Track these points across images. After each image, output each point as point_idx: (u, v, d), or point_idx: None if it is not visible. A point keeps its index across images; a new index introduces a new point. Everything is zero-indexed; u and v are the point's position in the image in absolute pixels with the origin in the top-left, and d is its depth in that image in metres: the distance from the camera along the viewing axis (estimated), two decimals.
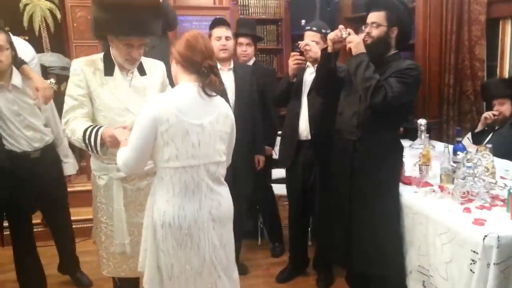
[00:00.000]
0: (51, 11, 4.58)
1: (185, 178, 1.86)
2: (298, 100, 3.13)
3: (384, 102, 2.31)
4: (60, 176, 3.06)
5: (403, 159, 2.70)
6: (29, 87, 2.74)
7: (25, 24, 4.54)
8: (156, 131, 1.80)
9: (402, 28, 2.50)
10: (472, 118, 4.06)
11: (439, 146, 3.45)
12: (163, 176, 1.87)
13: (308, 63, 3.13)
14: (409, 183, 2.70)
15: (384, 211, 2.49)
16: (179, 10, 4.44)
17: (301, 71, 3.15)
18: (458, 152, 2.51)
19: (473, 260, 1.96)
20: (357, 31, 2.54)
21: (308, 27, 3.11)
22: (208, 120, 1.88)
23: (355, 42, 2.42)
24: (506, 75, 3.90)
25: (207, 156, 1.89)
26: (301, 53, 3.00)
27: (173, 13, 3.58)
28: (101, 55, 2.29)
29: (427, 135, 3.42)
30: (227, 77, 3.21)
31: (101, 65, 2.25)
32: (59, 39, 4.44)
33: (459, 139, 2.80)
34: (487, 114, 3.42)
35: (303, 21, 3.31)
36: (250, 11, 5.28)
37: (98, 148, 2.13)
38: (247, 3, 5.25)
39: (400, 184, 2.63)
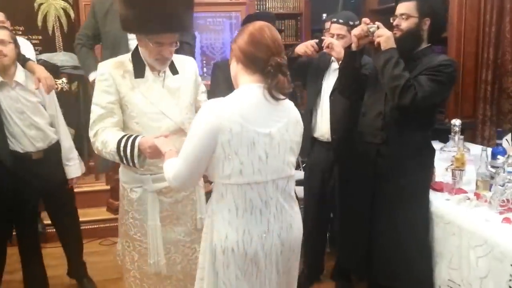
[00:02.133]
0: (65, 10, 4.78)
1: (250, 196, 1.68)
2: (315, 97, 3.05)
3: (413, 103, 2.23)
4: (65, 178, 3.07)
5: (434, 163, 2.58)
6: (32, 83, 2.79)
7: (39, 23, 4.68)
8: (215, 142, 1.61)
9: (435, 19, 2.39)
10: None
11: (474, 149, 3.32)
12: (224, 194, 1.68)
13: (333, 58, 3.05)
14: (441, 190, 2.59)
15: (411, 220, 2.40)
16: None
17: (322, 60, 3.07)
18: (498, 156, 2.38)
19: None
20: (385, 25, 2.43)
21: (334, 19, 3.03)
22: (276, 128, 1.69)
23: (385, 36, 2.32)
24: None
25: (275, 170, 1.70)
26: (319, 47, 2.93)
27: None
28: (128, 55, 2.17)
29: (461, 136, 3.27)
30: None
31: (130, 67, 2.12)
32: (72, 39, 4.59)
33: (499, 141, 2.66)
34: None
35: (324, 15, 3.22)
36: (267, 5, 5.27)
37: (136, 160, 1.97)
38: None
39: (430, 190, 2.53)
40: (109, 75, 2.07)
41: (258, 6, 5.18)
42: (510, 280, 1.87)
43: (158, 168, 2.08)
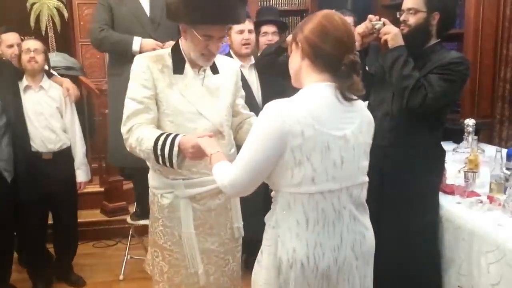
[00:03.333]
0: (58, 10, 4.80)
1: (323, 206, 1.54)
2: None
3: (423, 105, 2.19)
4: (72, 181, 3.34)
5: (445, 165, 2.52)
6: (56, 90, 3.25)
7: (32, 24, 4.74)
8: (284, 146, 1.48)
9: (445, 13, 2.33)
10: None
11: (489, 150, 3.25)
12: (291, 203, 1.55)
13: None
14: (452, 193, 2.54)
15: (419, 225, 2.35)
16: None
17: None
18: None
19: None
20: (393, 22, 2.38)
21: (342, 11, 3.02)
22: (350, 130, 1.56)
23: (393, 33, 2.27)
24: None
25: (350, 177, 1.58)
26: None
27: None
28: (168, 50, 2.08)
29: (476, 137, 3.21)
30: (250, 75, 3.22)
31: (169, 62, 2.03)
32: (65, 38, 4.67)
33: None
34: None
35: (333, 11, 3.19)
36: (271, 2, 5.16)
37: (174, 160, 1.87)
38: None
39: (441, 193, 2.48)
40: (147, 68, 1.99)
41: (262, 2, 5.11)
42: None
43: (191, 172, 2.03)
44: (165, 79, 2.00)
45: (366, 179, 1.66)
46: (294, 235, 1.54)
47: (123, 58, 3.09)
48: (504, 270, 1.95)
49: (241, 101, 2.26)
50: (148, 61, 1.99)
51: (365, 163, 1.64)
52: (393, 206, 2.37)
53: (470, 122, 3.24)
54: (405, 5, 2.37)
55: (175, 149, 1.86)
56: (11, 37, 3.58)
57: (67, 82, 3.32)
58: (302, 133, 1.47)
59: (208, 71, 2.08)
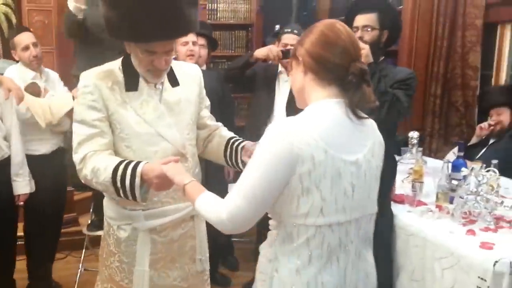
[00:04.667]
0: (6, 15, 4.51)
1: (329, 240, 1.37)
2: (268, 108, 3.08)
3: (398, 118, 2.34)
4: (12, 197, 2.97)
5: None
6: None
7: None
8: (292, 172, 1.31)
9: (392, 32, 2.51)
10: (461, 132, 4.10)
11: (430, 161, 3.44)
12: (294, 236, 1.38)
13: (280, 69, 3.12)
14: (402, 202, 2.66)
15: (376, 231, 2.40)
16: None
17: (269, 72, 3.13)
18: (463, 169, 2.48)
19: None
20: None
21: (288, 29, 3.11)
22: (363, 153, 1.40)
23: (366, 50, 2.34)
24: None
25: (361, 207, 1.42)
26: (284, 56, 2.97)
27: None
28: (118, 63, 1.83)
29: (420, 149, 3.40)
30: None
31: (120, 77, 1.79)
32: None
33: (461, 153, 2.78)
34: (483, 124, 3.43)
35: (277, 26, 3.29)
36: (218, 15, 5.23)
37: (137, 193, 1.65)
38: (215, 7, 5.20)
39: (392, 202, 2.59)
40: (95, 87, 1.75)
41: (209, 16, 5.17)
42: None
43: (151, 202, 1.81)
44: (117, 97, 1.77)
45: (376, 209, 1.51)
46: (294, 271, 1.39)
47: (89, 55, 2.97)
48: (458, 275, 2.05)
49: (206, 112, 2.06)
50: (94, 79, 1.76)
51: (376, 191, 1.49)
52: None
53: (414, 134, 3.43)
54: (359, 23, 2.49)
55: (137, 180, 1.64)
56: (25, 37, 3.19)
57: (8, 82, 2.87)
58: (312, 157, 1.30)
59: (167, 84, 1.86)
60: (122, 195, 1.68)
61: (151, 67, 1.75)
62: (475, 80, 3.97)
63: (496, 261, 1.88)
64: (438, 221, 2.38)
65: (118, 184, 1.66)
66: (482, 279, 1.91)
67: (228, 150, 1.97)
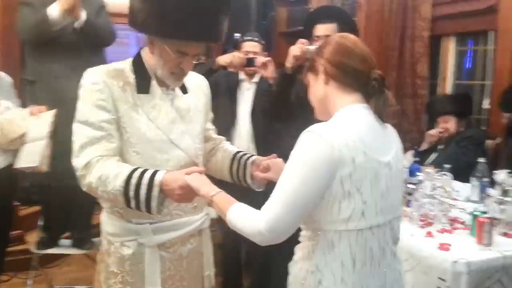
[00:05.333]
0: None
1: (371, 244, 1.33)
2: (232, 117, 3.03)
3: None
4: None
5: None
6: None
7: None
8: (333, 176, 1.25)
9: None
10: (413, 138, 4.16)
11: None
12: (336, 243, 1.31)
13: (242, 77, 3.07)
14: None
15: None
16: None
17: (231, 80, 3.08)
18: (418, 173, 2.50)
19: None
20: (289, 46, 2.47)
21: (249, 38, 3.08)
22: (391, 155, 1.38)
23: None
24: (448, 93, 4.05)
25: (393, 208, 1.39)
26: (248, 65, 2.94)
27: (111, 24, 3.30)
28: (127, 63, 1.65)
29: None
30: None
31: (131, 78, 1.61)
32: None
33: (417, 159, 2.81)
34: (432, 131, 3.49)
35: (237, 35, 3.27)
36: None
37: (153, 204, 1.47)
38: None
39: None
40: (105, 86, 1.56)
41: None
42: None
43: (160, 214, 1.58)
44: (128, 99, 1.58)
45: (402, 210, 1.51)
46: (339, 280, 1.32)
47: (40, 59, 2.83)
48: (419, 276, 2.05)
49: (211, 125, 1.93)
50: (105, 76, 1.57)
51: (402, 193, 1.50)
52: None
53: None
54: (319, 32, 2.48)
55: (155, 190, 1.46)
56: None
57: None
58: (352, 160, 1.25)
59: (177, 90, 1.71)
60: (133, 206, 1.49)
61: (177, 69, 1.60)
62: (424, 89, 4.05)
63: (455, 261, 1.89)
64: None
65: (131, 194, 1.47)
66: (441, 279, 1.92)
67: (235, 164, 1.82)
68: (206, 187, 1.44)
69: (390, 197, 1.35)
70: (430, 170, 2.52)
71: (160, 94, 1.65)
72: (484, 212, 2.10)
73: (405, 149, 3.82)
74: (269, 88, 2.66)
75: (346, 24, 2.51)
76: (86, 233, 3.26)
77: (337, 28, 2.45)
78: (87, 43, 3.04)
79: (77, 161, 1.54)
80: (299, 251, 1.42)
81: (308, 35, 2.53)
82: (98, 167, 1.51)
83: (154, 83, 1.64)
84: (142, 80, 1.62)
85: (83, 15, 2.99)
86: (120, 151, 1.58)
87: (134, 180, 1.47)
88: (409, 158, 3.62)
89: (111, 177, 1.48)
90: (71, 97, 1.71)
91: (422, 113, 4.08)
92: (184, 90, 1.73)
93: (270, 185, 1.50)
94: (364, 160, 1.27)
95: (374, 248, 1.34)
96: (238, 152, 1.86)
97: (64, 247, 3.29)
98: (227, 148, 1.91)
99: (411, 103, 4.19)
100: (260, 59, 2.88)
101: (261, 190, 1.78)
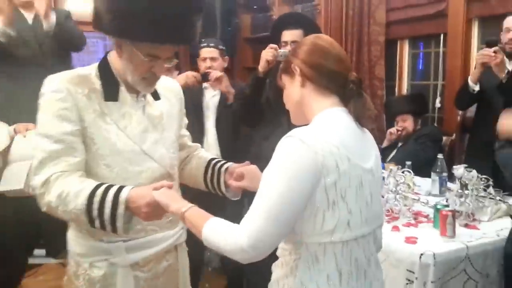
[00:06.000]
0: None
1: (356, 255, 1.21)
2: (199, 125, 2.95)
3: None
4: None
5: None
6: None
7: None
8: (316, 185, 1.13)
9: None
10: (374, 136, 4.17)
11: None
12: (320, 256, 1.18)
13: (205, 85, 3.01)
14: None
15: None
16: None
17: (197, 92, 2.99)
18: (382, 170, 2.51)
19: (409, 280, 1.92)
20: (258, 52, 2.46)
21: (205, 44, 3.01)
22: (372, 161, 1.26)
23: None
24: (404, 93, 4.12)
25: (377, 216, 1.28)
26: (203, 80, 2.87)
27: (80, 30, 3.18)
28: (92, 69, 1.47)
29: None
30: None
31: (97, 84, 1.43)
32: None
33: (380, 156, 2.81)
34: (391, 129, 3.54)
35: (203, 40, 3.22)
36: None
37: (119, 224, 1.30)
38: None
39: None
40: (68, 94, 1.36)
41: None
42: (407, 283, 1.93)
43: (134, 231, 1.42)
44: (95, 107, 1.40)
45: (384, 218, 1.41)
46: None
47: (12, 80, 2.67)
48: (388, 270, 2.04)
49: (186, 131, 1.75)
50: (68, 83, 1.37)
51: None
52: None
53: None
54: (287, 38, 2.48)
55: (121, 208, 1.29)
56: None
57: None
58: (337, 166, 1.13)
59: (149, 97, 1.53)
60: (98, 225, 1.32)
61: (149, 74, 1.42)
62: (382, 90, 4.10)
63: (422, 254, 1.89)
64: None
65: (94, 213, 1.30)
66: (410, 271, 1.92)
67: (209, 172, 1.67)
68: (176, 203, 1.28)
69: (373, 205, 1.24)
70: (392, 167, 2.54)
71: (130, 101, 1.46)
72: (446, 205, 2.12)
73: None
74: (241, 92, 2.63)
75: (311, 30, 2.51)
76: (60, 242, 3.12)
77: (303, 34, 2.44)
78: (60, 47, 2.89)
79: (36, 179, 1.35)
80: (279, 268, 1.29)
81: (275, 40, 2.51)
82: (58, 184, 1.32)
83: (123, 89, 1.46)
84: (110, 87, 1.44)
85: (53, 18, 2.86)
86: (84, 166, 1.40)
87: (97, 198, 1.30)
88: None
89: (71, 195, 1.30)
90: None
91: (381, 112, 4.13)
92: (155, 96, 1.55)
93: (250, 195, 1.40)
94: (349, 167, 1.15)
95: (360, 259, 1.22)
96: (212, 159, 1.72)
97: (39, 257, 3.15)
98: (202, 155, 1.76)
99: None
100: (214, 73, 2.82)
101: (236, 199, 1.64)
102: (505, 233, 2.03)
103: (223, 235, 1.16)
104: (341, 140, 1.17)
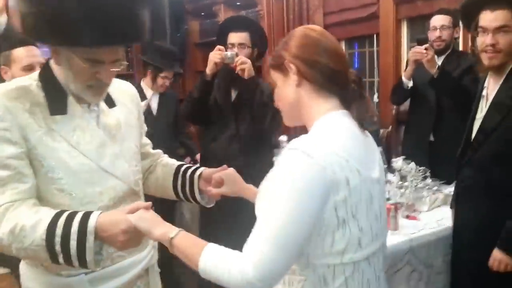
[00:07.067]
0: None
1: (368, 275, 1.02)
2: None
3: (279, 127, 2.33)
4: None
5: None
6: None
7: None
8: (325, 203, 0.94)
9: (261, 49, 2.48)
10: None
11: None
12: (329, 279, 0.99)
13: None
14: None
15: None
16: None
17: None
18: None
19: None
20: (204, 57, 2.43)
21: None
22: (377, 169, 1.07)
23: (249, 64, 2.24)
24: None
25: (384, 229, 1.10)
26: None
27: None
28: (33, 78, 1.19)
29: None
30: None
31: (40, 96, 1.16)
32: None
33: None
34: None
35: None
36: None
37: (89, 257, 1.05)
38: None
39: None
40: (6, 111, 1.11)
41: None
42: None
43: (100, 267, 1.17)
44: (40, 124, 1.14)
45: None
46: None
47: None
48: None
49: (146, 139, 1.50)
50: (5, 99, 1.11)
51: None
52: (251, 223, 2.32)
53: (284, 138, 3.38)
54: (234, 40, 2.40)
55: (90, 239, 1.04)
56: (28, 53, 1.93)
57: None
58: (347, 181, 0.95)
59: (102, 105, 1.26)
60: (61, 261, 1.06)
61: (94, 81, 1.15)
62: None
63: None
64: None
65: (57, 247, 1.04)
66: None
67: (179, 179, 1.43)
68: (159, 228, 1.05)
69: (382, 218, 1.06)
70: None
71: (81, 113, 1.20)
72: (388, 199, 2.08)
73: None
74: (190, 94, 2.52)
75: (257, 32, 2.45)
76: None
77: (249, 36, 2.38)
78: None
79: None
80: (281, 286, 1.17)
81: (221, 43, 2.42)
82: (9, 218, 1.07)
83: (71, 100, 1.19)
84: (55, 98, 1.16)
85: (2, 20, 2.59)
86: (36, 192, 1.14)
87: (59, 230, 1.05)
88: None
89: (27, 228, 1.05)
90: None
91: None
92: (110, 102, 1.28)
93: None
94: (359, 181, 0.97)
95: (371, 280, 1.03)
96: (180, 165, 1.48)
97: None
98: (167, 162, 1.51)
99: None
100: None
101: (211, 206, 1.47)
102: (445, 223, 2.03)
103: (225, 267, 0.94)
104: (349, 151, 0.98)
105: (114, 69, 1.16)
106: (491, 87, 1.80)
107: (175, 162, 1.51)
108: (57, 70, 1.19)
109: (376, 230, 1.03)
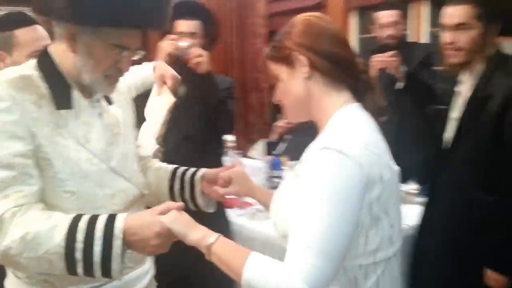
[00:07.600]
0: None
1: (396, 272, 0.97)
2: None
3: (232, 125, 2.12)
4: None
5: None
6: None
7: None
8: (361, 202, 0.87)
9: (214, 39, 2.11)
10: (260, 130, 3.89)
11: (245, 161, 3.09)
12: (361, 280, 0.91)
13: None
14: (230, 206, 2.21)
15: None
16: None
17: None
18: (282, 167, 2.26)
19: None
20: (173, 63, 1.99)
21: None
22: (392, 160, 1.01)
23: (206, 57, 1.82)
24: None
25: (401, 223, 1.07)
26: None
27: None
28: (32, 67, 1.03)
29: (240, 151, 3.02)
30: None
31: (43, 88, 1.00)
32: None
33: (277, 152, 2.50)
34: (279, 123, 3.20)
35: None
36: None
37: (115, 265, 0.90)
38: None
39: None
40: (14, 102, 0.95)
41: None
42: None
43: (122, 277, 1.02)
44: (47, 118, 0.98)
45: None
46: None
47: None
48: None
49: (137, 142, 1.40)
50: (12, 89, 0.96)
51: None
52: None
53: (229, 138, 3.02)
54: (183, 29, 2.03)
55: (116, 244, 0.90)
56: (35, 34, 1.52)
57: None
58: (381, 177, 0.88)
59: (102, 101, 1.13)
60: (80, 272, 0.90)
61: (114, 70, 1.03)
62: (266, 83, 3.77)
63: None
64: (268, 221, 1.99)
65: (77, 254, 0.89)
66: None
67: (177, 184, 1.29)
68: (196, 231, 0.93)
69: (401, 209, 0.99)
70: (291, 162, 2.21)
71: (87, 108, 1.06)
72: None
73: (253, 141, 3.55)
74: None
75: (209, 22, 2.05)
76: None
77: (201, 26, 1.99)
78: None
79: None
80: None
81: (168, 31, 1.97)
82: (17, 223, 0.91)
83: (76, 93, 1.04)
84: (60, 91, 1.01)
85: None
86: (41, 196, 0.97)
87: (80, 235, 0.90)
88: (259, 149, 3.31)
89: (42, 235, 0.89)
90: None
91: (266, 106, 3.81)
92: (108, 100, 1.14)
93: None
94: (391, 176, 0.91)
95: (398, 276, 0.99)
96: (176, 168, 1.33)
97: None
98: (160, 166, 1.35)
99: (255, 97, 3.94)
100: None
101: (212, 211, 1.32)
102: (406, 222, 1.79)
103: (274, 280, 0.83)
104: (377, 145, 0.92)
105: (134, 58, 1.06)
106: (464, 85, 1.66)
107: (169, 166, 1.36)
108: (63, 59, 1.03)
109: (400, 224, 0.99)
